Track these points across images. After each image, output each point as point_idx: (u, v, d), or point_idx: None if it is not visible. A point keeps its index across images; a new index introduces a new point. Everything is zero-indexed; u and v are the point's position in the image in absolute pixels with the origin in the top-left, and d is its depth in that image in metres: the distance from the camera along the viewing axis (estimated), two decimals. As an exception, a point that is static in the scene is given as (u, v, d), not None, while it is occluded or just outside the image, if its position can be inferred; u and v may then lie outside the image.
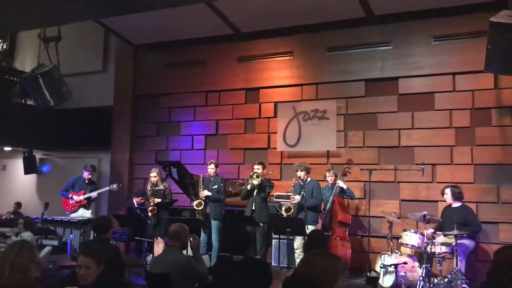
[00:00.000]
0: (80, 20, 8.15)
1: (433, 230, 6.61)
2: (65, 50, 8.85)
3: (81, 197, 8.46)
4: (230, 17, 8.57)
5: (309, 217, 6.93)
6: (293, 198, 7.06)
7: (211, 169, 7.65)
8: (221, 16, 8.45)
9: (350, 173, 7.41)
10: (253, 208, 7.18)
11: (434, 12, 7.59)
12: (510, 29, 5.28)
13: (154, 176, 7.65)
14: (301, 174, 7.15)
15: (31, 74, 7.99)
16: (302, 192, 6.95)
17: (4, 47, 12.17)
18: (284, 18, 8.39)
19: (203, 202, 7.45)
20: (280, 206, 7.77)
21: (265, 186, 7.27)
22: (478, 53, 6.53)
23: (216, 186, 7.54)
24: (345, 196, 7.40)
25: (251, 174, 7.26)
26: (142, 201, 8.29)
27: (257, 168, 7.30)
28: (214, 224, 7.45)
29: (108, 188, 8.71)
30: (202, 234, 7.59)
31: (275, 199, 7.77)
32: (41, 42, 8.54)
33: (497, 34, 5.45)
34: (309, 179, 7.21)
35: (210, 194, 7.49)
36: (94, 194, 8.56)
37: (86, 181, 8.67)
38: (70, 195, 8.48)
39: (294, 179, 7.32)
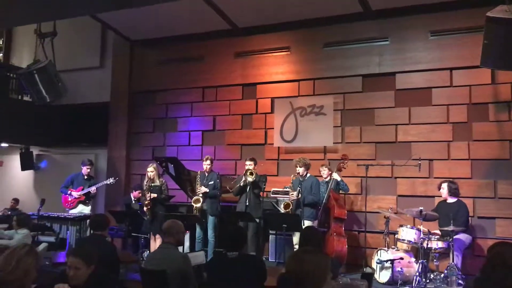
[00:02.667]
0: (77, 15, 8.09)
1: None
2: (63, 46, 8.79)
3: (79, 193, 8.45)
4: (227, 12, 8.53)
5: (306, 213, 6.92)
6: (292, 194, 7.04)
7: (207, 165, 7.61)
8: (218, 11, 8.41)
9: (345, 168, 7.38)
10: (247, 203, 7.15)
11: (431, 7, 7.56)
12: (507, 24, 5.25)
13: (151, 171, 7.59)
14: (300, 170, 7.11)
15: (26, 70, 7.94)
16: (299, 188, 6.93)
17: (1, 43, 12.13)
18: (281, 14, 8.36)
19: (201, 199, 7.43)
20: (277, 201, 7.76)
21: (259, 182, 7.26)
22: (475, 48, 6.45)
23: (212, 182, 7.51)
24: (340, 189, 7.39)
25: (245, 171, 7.25)
26: (140, 194, 8.23)
27: (249, 164, 7.29)
28: (210, 220, 7.43)
29: (105, 182, 8.65)
30: (198, 230, 7.57)
31: (272, 195, 7.76)
32: (37, 37, 8.46)
33: (493, 29, 5.41)
34: (308, 175, 7.18)
35: (207, 190, 7.47)
36: (92, 189, 8.46)
37: (85, 177, 8.61)
38: (69, 192, 8.47)
39: (292, 175, 7.30)
